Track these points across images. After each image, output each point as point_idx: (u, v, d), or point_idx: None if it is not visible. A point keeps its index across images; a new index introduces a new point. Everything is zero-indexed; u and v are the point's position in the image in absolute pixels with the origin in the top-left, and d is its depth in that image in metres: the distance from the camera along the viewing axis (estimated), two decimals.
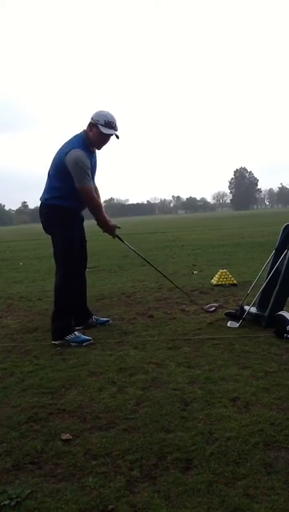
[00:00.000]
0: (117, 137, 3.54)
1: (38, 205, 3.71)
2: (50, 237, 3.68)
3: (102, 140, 3.52)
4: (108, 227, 3.71)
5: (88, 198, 3.49)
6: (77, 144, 3.45)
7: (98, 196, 3.81)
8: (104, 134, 3.46)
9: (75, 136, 3.55)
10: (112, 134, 3.49)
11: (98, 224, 3.70)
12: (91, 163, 3.52)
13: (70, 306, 3.61)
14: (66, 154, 3.39)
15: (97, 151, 3.66)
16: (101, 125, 3.43)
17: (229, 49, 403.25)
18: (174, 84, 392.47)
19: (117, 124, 3.51)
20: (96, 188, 3.78)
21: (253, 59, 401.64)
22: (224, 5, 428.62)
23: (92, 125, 3.47)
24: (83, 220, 3.85)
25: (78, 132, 3.58)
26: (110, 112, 3.50)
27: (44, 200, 3.61)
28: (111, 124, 3.46)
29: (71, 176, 3.42)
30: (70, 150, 3.40)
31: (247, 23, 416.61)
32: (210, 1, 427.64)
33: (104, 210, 3.70)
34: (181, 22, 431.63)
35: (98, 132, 3.46)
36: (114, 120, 3.50)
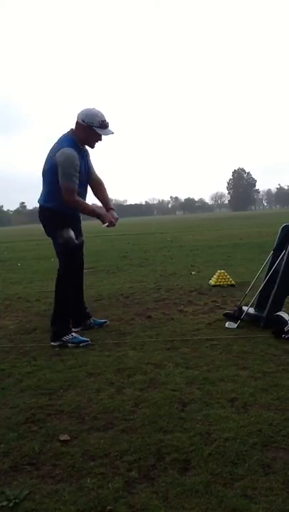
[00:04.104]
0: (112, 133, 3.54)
1: (37, 207, 3.72)
2: (50, 239, 3.69)
3: (95, 139, 3.53)
4: (104, 214, 3.63)
5: (67, 197, 3.43)
6: (67, 143, 3.44)
7: (101, 190, 3.80)
8: (100, 135, 3.47)
9: (65, 135, 3.54)
10: (110, 134, 3.49)
11: (99, 218, 3.63)
12: (84, 162, 3.56)
13: (68, 306, 3.62)
14: (56, 154, 3.40)
15: (89, 149, 3.67)
16: (96, 127, 3.43)
17: (228, 50, 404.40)
18: (173, 85, 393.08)
19: (107, 119, 3.50)
20: (98, 182, 3.79)
21: (252, 60, 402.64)
22: (224, 5, 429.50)
23: (86, 127, 3.44)
24: (79, 221, 3.84)
25: (66, 132, 3.56)
26: (97, 109, 3.50)
27: (41, 202, 3.62)
28: (105, 124, 3.46)
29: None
30: (60, 149, 3.40)
31: (247, 24, 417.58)
32: (210, 1, 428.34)
33: (87, 203, 3.63)
34: (181, 22, 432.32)
35: (93, 133, 3.46)
36: (105, 118, 3.49)
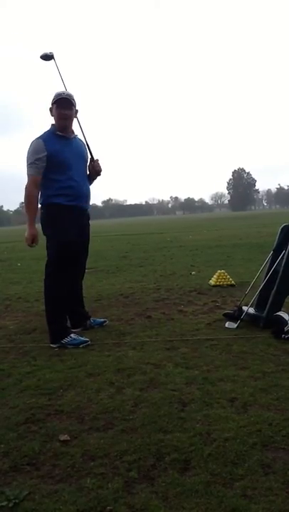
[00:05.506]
0: (65, 99, 3.48)
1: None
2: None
3: (61, 114, 3.50)
4: (29, 234, 3.52)
5: (27, 184, 3.46)
6: (40, 135, 3.50)
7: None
8: (55, 102, 3.47)
9: None
10: (60, 98, 3.47)
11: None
12: (72, 148, 3.55)
13: (61, 308, 3.55)
14: None
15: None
16: (52, 101, 3.49)
17: (228, 50, 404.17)
18: (173, 85, 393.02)
19: (69, 95, 3.52)
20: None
21: (252, 60, 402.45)
22: (224, 5, 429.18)
23: (51, 110, 3.53)
24: (88, 218, 3.80)
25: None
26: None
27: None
28: (58, 94, 3.50)
29: (49, 169, 3.43)
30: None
31: (246, 24, 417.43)
32: (210, 1, 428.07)
33: (33, 207, 3.48)
34: (181, 22, 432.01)
35: (54, 110, 3.50)
36: (62, 91, 3.53)
